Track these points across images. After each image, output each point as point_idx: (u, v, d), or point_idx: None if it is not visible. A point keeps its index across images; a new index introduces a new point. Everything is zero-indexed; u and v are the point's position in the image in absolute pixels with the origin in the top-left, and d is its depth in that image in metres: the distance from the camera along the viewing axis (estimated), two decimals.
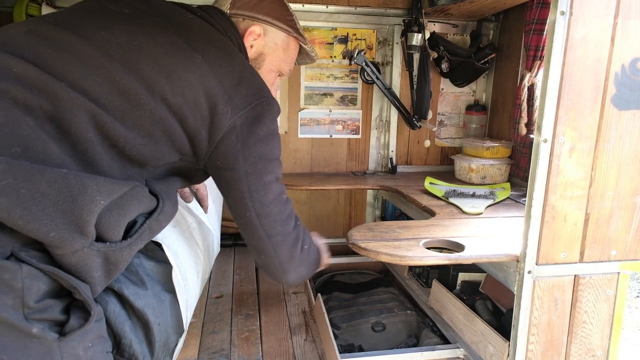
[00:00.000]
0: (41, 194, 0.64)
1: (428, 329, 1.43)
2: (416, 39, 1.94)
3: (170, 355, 0.95)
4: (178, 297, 0.93)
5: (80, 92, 0.75)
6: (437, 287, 1.47)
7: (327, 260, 1.18)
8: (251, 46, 1.04)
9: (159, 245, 0.93)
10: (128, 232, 0.76)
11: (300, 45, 1.12)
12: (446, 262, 1.09)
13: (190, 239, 1.11)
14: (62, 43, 0.78)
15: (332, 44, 2.09)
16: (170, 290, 0.92)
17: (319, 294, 1.39)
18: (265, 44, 1.05)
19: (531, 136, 1.75)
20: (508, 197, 1.63)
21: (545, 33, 1.67)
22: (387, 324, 1.46)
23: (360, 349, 1.41)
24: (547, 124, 0.99)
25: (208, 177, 0.99)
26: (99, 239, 0.71)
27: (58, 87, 0.73)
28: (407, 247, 1.11)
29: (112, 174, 0.77)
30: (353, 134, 2.17)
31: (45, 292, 0.67)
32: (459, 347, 1.30)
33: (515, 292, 1.09)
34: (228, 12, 1.02)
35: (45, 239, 0.65)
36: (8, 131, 0.67)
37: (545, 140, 1.00)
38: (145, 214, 0.79)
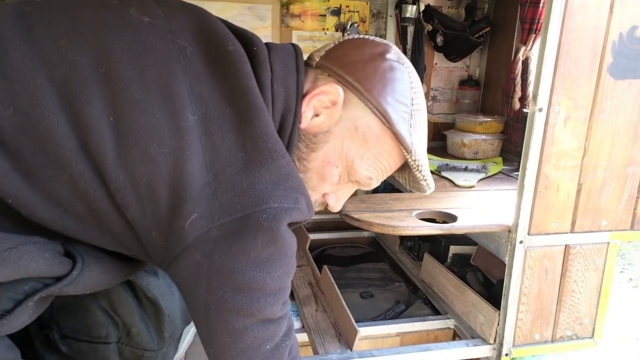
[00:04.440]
0: None
1: (420, 301, 1.44)
2: (410, 11, 1.91)
3: (176, 345, 0.94)
4: None
5: None
6: (428, 259, 1.48)
7: None
8: (316, 114, 0.66)
9: None
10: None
11: (404, 157, 0.70)
12: (439, 232, 1.09)
13: None
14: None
15: (325, 15, 2.04)
16: None
17: (325, 266, 1.38)
18: (339, 119, 0.67)
19: (525, 110, 1.75)
20: (500, 172, 1.63)
21: (541, 5, 1.65)
22: (376, 293, 1.47)
23: None
24: (543, 93, 0.98)
25: None
26: None
27: None
28: (400, 218, 1.10)
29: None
30: None
31: None
32: (449, 318, 1.32)
33: (506, 262, 1.10)
34: (316, 61, 0.70)
35: None
36: None
37: (540, 110, 0.99)
38: (42, 280, 0.55)
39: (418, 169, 0.70)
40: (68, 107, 0.52)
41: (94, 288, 0.62)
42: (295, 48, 0.69)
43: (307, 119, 0.66)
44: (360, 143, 0.67)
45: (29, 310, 0.56)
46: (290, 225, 0.59)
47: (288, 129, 0.64)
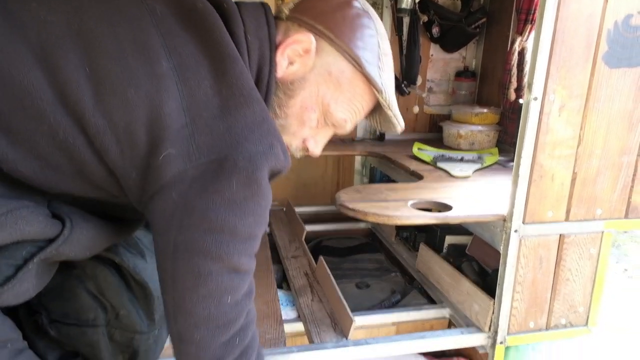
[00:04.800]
0: None
1: (416, 291, 1.45)
2: (406, 2, 1.89)
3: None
4: None
5: None
6: (424, 250, 1.48)
7: None
8: (291, 63, 0.70)
9: None
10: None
11: (375, 97, 0.73)
12: (434, 221, 1.09)
13: None
14: None
15: None
16: None
17: (321, 257, 1.39)
18: (313, 66, 0.70)
19: (520, 101, 1.74)
20: (496, 162, 1.63)
21: None
22: (372, 283, 1.47)
23: None
24: (537, 82, 0.98)
25: None
26: None
27: None
28: (395, 207, 1.11)
29: None
30: None
31: None
32: (445, 307, 1.32)
33: (501, 251, 1.10)
34: (286, 14, 0.73)
35: None
36: None
37: (535, 99, 0.99)
38: (37, 243, 0.58)
39: (389, 107, 0.74)
40: (44, 63, 0.54)
41: (91, 248, 0.64)
42: (264, 4, 0.72)
43: (283, 68, 0.69)
44: (334, 87, 0.71)
45: (31, 278, 0.58)
46: (271, 175, 0.61)
47: (265, 78, 0.67)
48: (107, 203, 0.67)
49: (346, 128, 0.76)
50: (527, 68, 1.76)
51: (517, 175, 1.03)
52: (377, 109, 0.78)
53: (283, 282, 1.68)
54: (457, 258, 1.42)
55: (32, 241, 0.58)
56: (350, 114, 0.74)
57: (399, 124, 0.78)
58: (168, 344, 1.07)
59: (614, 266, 2.99)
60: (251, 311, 0.66)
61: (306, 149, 0.76)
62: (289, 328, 1.23)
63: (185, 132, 0.56)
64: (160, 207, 0.58)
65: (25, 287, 0.59)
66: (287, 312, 1.38)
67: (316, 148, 0.76)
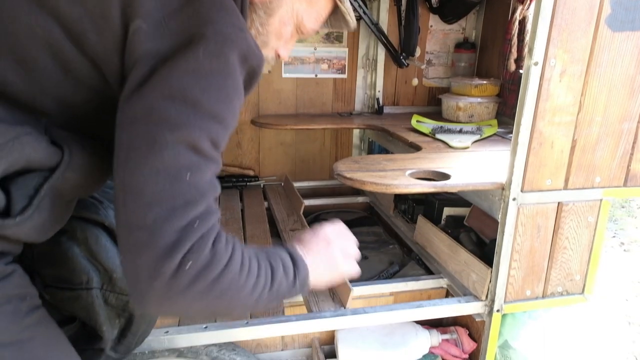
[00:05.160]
0: None
1: (414, 262, 1.46)
2: None
3: None
4: None
5: None
6: (422, 222, 1.48)
7: (334, 280, 0.80)
8: None
9: None
10: (13, 206, 0.58)
11: (335, 3, 0.81)
12: (432, 190, 1.08)
13: None
14: None
15: None
16: None
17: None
18: None
19: (521, 71, 1.72)
20: (495, 134, 1.62)
21: None
22: (370, 255, 1.48)
23: None
24: (538, 46, 0.95)
25: None
26: None
27: None
28: (393, 176, 1.10)
29: None
30: (339, 73, 2.10)
31: None
32: (442, 277, 1.33)
33: (499, 220, 1.10)
34: None
35: None
36: None
37: (536, 63, 0.97)
38: (43, 172, 0.60)
39: (347, 12, 0.83)
40: None
41: (95, 175, 0.65)
42: None
43: None
44: (307, 3, 0.78)
45: (46, 210, 0.60)
46: (243, 62, 0.61)
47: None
48: (99, 123, 0.66)
49: (311, 34, 0.87)
50: (528, 37, 1.73)
51: (516, 143, 1.02)
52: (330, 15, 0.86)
53: None
54: (455, 229, 1.42)
55: (39, 170, 0.59)
56: (318, 23, 0.82)
57: (352, 19, 0.85)
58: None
59: (611, 240, 3.02)
60: (217, 212, 0.61)
61: (278, 56, 0.83)
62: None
63: (157, 15, 0.58)
64: (129, 81, 0.58)
65: (43, 220, 0.60)
66: None
67: (287, 53, 0.84)
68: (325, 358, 1.31)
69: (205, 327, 1.03)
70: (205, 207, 0.58)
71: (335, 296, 1.20)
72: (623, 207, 3.56)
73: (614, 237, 3.04)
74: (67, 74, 0.60)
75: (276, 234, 1.65)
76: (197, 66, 0.57)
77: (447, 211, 1.51)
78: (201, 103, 0.57)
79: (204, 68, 0.57)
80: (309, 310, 1.15)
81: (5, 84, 0.59)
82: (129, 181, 0.56)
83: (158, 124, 0.55)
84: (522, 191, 1.06)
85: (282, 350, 1.39)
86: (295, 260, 0.71)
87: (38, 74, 0.60)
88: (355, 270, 0.82)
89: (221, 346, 1.17)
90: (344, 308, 1.14)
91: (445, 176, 1.11)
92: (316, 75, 2.08)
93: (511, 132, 1.05)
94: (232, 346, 1.19)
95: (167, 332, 1.01)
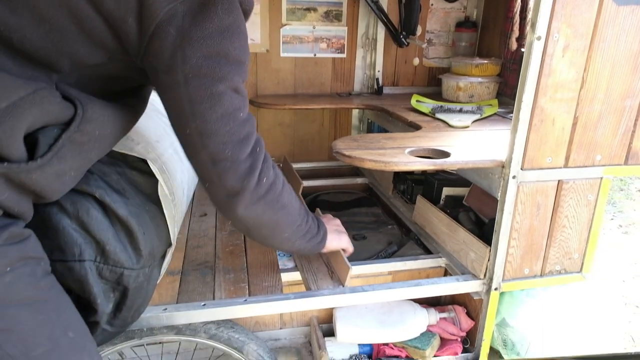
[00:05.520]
0: None
1: (412, 242, 1.45)
2: None
3: (159, 267, 0.94)
4: (165, 212, 0.90)
5: None
6: (421, 202, 1.47)
7: (342, 245, 1.10)
8: None
9: (141, 159, 0.89)
10: (38, 150, 0.63)
11: None
12: (432, 167, 1.07)
13: (174, 156, 1.07)
14: None
15: None
16: (155, 202, 0.89)
17: (318, 209, 1.38)
18: None
19: (522, 50, 1.69)
20: (495, 114, 1.60)
21: None
22: (369, 235, 1.48)
23: None
24: (542, 20, 0.93)
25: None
26: None
27: None
28: (392, 154, 1.09)
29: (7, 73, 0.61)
30: (338, 52, 2.07)
31: None
32: (441, 257, 1.33)
33: (499, 198, 1.09)
34: None
35: None
36: None
37: (538, 38, 0.95)
38: (60, 126, 0.65)
39: None
40: None
41: (110, 127, 0.71)
42: None
43: None
44: None
45: (67, 157, 0.65)
46: (242, 9, 0.72)
47: None
48: (108, 83, 0.74)
49: None
50: (530, 15, 1.70)
51: (517, 120, 1.01)
52: None
53: None
54: (454, 209, 1.41)
55: (55, 124, 0.64)
56: None
57: None
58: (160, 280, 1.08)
59: (609, 222, 3.02)
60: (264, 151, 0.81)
61: None
62: (286, 277, 1.24)
63: None
64: (161, 46, 0.66)
65: (62, 168, 0.66)
66: (284, 263, 1.39)
67: None
68: (324, 336, 1.32)
69: (204, 305, 1.04)
70: (256, 135, 0.79)
71: (334, 275, 1.20)
72: (622, 190, 3.56)
73: (612, 219, 3.05)
74: (82, 32, 0.64)
75: None
76: (220, 24, 0.67)
77: (446, 191, 1.50)
78: (231, 53, 0.70)
79: (225, 24, 0.68)
80: (308, 288, 1.15)
81: (23, 41, 0.62)
82: (203, 128, 0.72)
83: (209, 79, 0.69)
84: (522, 169, 1.05)
85: (280, 328, 1.40)
86: (316, 216, 1.00)
87: (55, 32, 0.63)
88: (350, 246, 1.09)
89: (219, 324, 1.17)
90: (343, 286, 1.14)
91: (445, 154, 1.10)
92: (315, 55, 2.05)
93: (512, 112, 1.04)
94: (231, 324, 1.20)
95: (165, 309, 1.01)
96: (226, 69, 0.69)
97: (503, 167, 1.06)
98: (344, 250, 1.13)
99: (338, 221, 1.16)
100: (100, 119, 0.69)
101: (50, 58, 0.65)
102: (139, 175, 0.88)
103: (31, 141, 0.63)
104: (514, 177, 1.05)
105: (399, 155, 1.08)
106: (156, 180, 0.90)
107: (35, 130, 0.63)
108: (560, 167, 1.07)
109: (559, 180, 1.08)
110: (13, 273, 0.62)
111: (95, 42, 0.66)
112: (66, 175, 0.68)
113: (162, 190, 0.91)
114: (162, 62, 0.67)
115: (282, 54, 2.02)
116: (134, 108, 0.81)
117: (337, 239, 1.10)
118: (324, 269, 1.23)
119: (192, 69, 0.67)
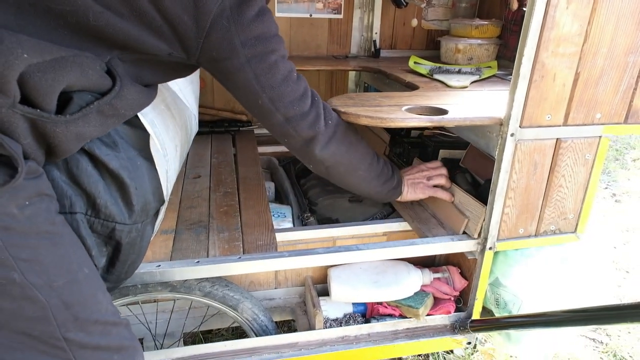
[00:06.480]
0: None
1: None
2: None
3: (152, 224, 0.93)
4: (157, 166, 0.89)
5: None
6: (417, 163, 1.46)
7: (419, 196, 1.23)
8: None
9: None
10: (69, 108, 0.68)
11: None
12: (428, 123, 1.05)
13: (166, 112, 1.03)
14: None
15: None
16: (147, 157, 0.87)
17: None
18: None
19: (524, 9, 1.64)
20: (494, 75, 1.57)
21: None
22: (364, 197, 1.47)
23: (337, 222, 1.43)
24: None
25: (193, 72, 0.94)
26: (27, 102, 0.63)
27: None
28: (389, 111, 1.06)
29: (61, 43, 0.67)
30: (334, 13, 2.01)
31: None
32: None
33: (496, 157, 1.08)
34: None
35: None
36: None
37: None
38: (96, 94, 0.71)
39: None
40: None
41: (132, 107, 0.78)
42: None
43: None
44: None
45: (93, 122, 0.70)
46: None
47: None
48: (149, 72, 0.84)
49: None
50: None
51: (517, 76, 0.98)
52: None
53: (276, 200, 1.67)
54: (451, 170, 1.40)
55: (90, 91, 0.71)
56: None
57: None
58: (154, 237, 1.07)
59: (604, 191, 3.04)
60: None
61: None
62: (280, 237, 1.23)
63: None
64: (218, 37, 0.79)
65: (85, 131, 0.70)
66: (279, 223, 1.39)
67: None
68: (318, 295, 1.33)
69: (198, 262, 1.03)
70: (311, 89, 0.98)
71: (445, 224, 1.20)
72: (617, 159, 3.57)
73: (606, 188, 3.06)
74: (139, 20, 0.73)
75: (270, 179, 1.64)
76: (256, 8, 0.81)
77: (443, 153, 1.48)
78: (271, 29, 0.85)
79: (259, 8, 0.82)
80: (423, 235, 1.20)
81: (99, 19, 0.70)
82: (271, 95, 0.89)
83: (264, 55, 0.85)
84: (520, 127, 1.03)
85: (275, 288, 1.41)
86: (393, 166, 1.19)
87: (113, 16, 0.71)
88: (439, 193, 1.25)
89: (214, 282, 1.17)
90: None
91: (442, 111, 1.08)
92: (311, 15, 1.99)
93: (511, 74, 1.01)
94: (225, 282, 1.20)
95: (159, 265, 1.01)
96: (272, 42, 0.85)
97: (501, 124, 1.05)
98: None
99: (415, 172, 1.28)
100: (131, 101, 0.76)
101: (116, 33, 0.72)
102: (130, 129, 0.85)
103: (65, 99, 0.68)
104: (512, 134, 1.03)
105: (396, 112, 1.06)
106: (148, 135, 0.88)
107: (72, 91, 0.68)
108: (560, 125, 1.05)
109: (557, 139, 1.07)
110: (33, 207, 0.64)
111: (150, 31, 0.75)
112: (83, 140, 0.72)
113: (154, 144, 0.89)
114: (222, 51, 0.80)
115: (276, 14, 1.96)
116: (152, 97, 0.88)
117: (413, 191, 1.24)
118: (433, 221, 1.26)
119: (250, 50, 0.82)
